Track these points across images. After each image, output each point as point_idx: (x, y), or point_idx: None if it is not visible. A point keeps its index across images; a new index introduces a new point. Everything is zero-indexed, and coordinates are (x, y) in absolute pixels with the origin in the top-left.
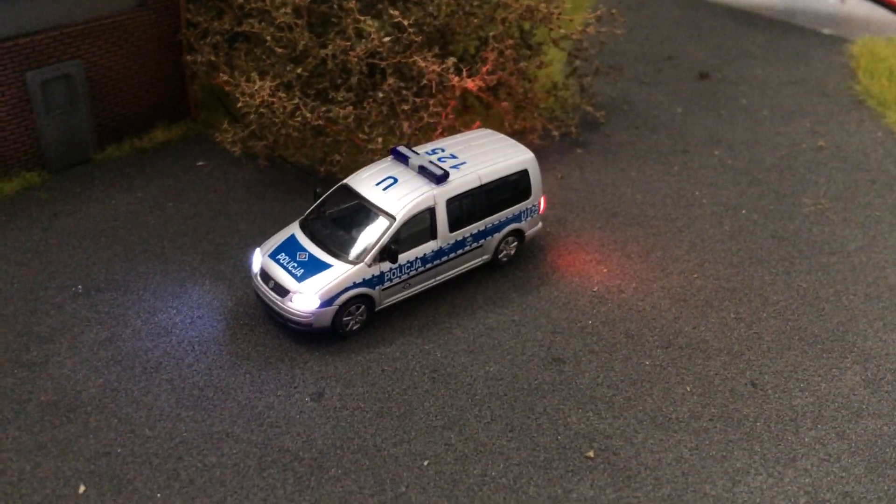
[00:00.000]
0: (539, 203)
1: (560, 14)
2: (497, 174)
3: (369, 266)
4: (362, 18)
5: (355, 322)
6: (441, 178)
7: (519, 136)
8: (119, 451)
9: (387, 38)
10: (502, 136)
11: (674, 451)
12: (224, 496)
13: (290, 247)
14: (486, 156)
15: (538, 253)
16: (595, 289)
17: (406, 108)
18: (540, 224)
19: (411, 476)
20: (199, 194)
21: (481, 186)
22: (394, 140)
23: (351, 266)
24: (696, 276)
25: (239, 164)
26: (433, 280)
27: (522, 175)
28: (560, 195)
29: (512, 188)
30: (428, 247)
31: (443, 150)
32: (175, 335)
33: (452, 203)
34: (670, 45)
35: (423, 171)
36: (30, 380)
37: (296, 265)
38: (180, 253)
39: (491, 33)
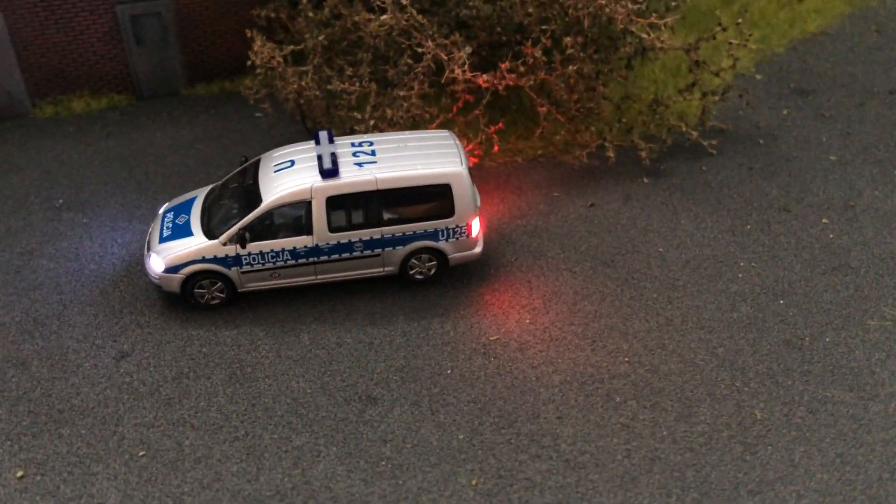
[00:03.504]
0: (468, 225)
1: (667, 47)
2: (403, 182)
3: (224, 245)
4: None
5: (212, 297)
6: (327, 174)
7: (564, 150)
8: None
9: (385, 17)
10: (454, 143)
11: None
12: None
13: (183, 208)
14: (407, 160)
15: (471, 280)
16: (493, 338)
17: (402, 93)
18: (477, 249)
19: (118, 461)
20: (235, 141)
21: (378, 191)
22: (384, 125)
23: (205, 241)
24: (626, 361)
25: (291, 120)
26: (313, 277)
27: (442, 190)
28: (565, 225)
29: (425, 201)
30: (300, 241)
31: (370, 144)
32: (86, 265)
33: (336, 201)
34: None
35: (318, 161)
36: None
37: (170, 226)
38: (161, 190)
39: (545, 27)
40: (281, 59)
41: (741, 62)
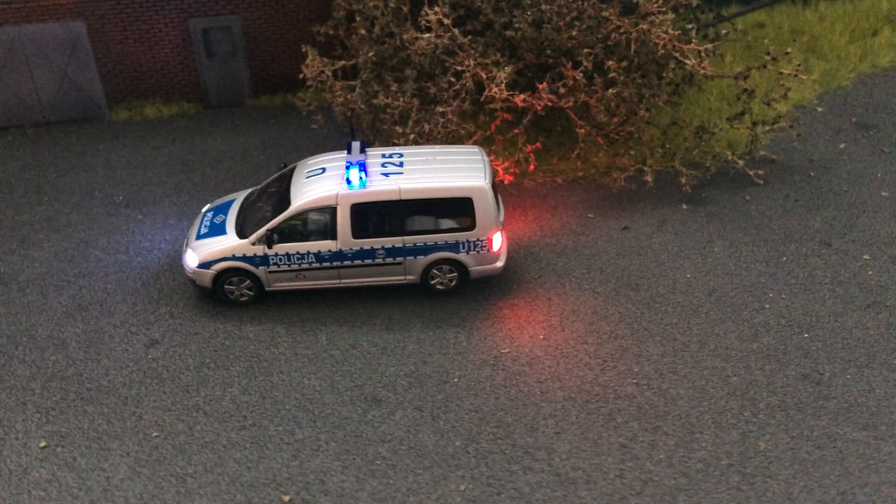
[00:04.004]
0: (489, 239)
1: (711, 74)
2: (425, 193)
3: (252, 245)
4: (428, 11)
5: (241, 293)
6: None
7: (604, 173)
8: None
9: (427, 35)
10: (481, 159)
11: None
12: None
13: (223, 209)
14: (433, 173)
15: (492, 293)
16: (504, 351)
17: (440, 108)
18: (499, 264)
19: (133, 440)
20: (289, 150)
21: (401, 201)
22: (423, 140)
23: (236, 240)
24: (633, 382)
25: (342, 132)
26: (337, 281)
27: (464, 203)
28: (595, 246)
29: (446, 213)
30: (325, 245)
31: (400, 156)
32: (134, 257)
33: (360, 208)
34: None
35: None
36: None
37: (208, 225)
38: (214, 192)
39: (588, 50)
40: (329, 73)
41: (802, 93)
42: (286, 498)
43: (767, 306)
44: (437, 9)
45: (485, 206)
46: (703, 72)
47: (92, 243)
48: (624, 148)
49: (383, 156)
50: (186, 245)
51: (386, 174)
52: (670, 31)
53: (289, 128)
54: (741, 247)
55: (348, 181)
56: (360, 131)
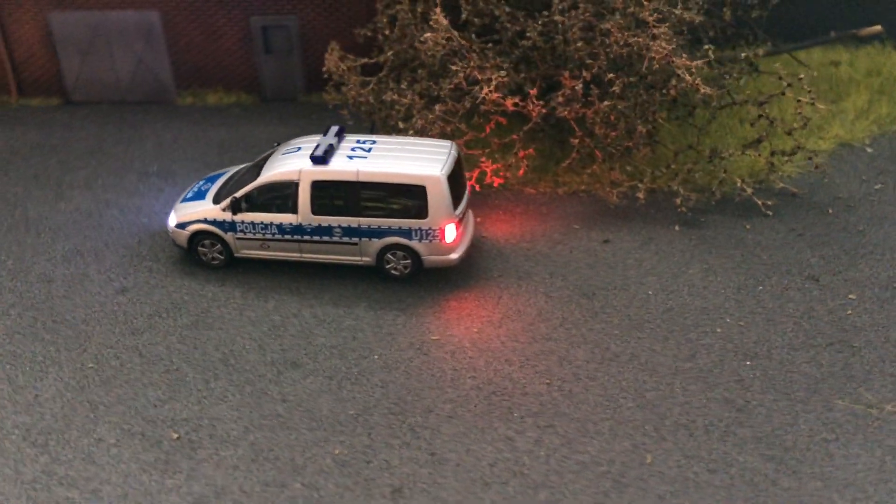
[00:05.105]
0: (441, 229)
1: (710, 92)
2: (381, 177)
3: (223, 210)
4: (439, 12)
5: (212, 257)
6: (315, 160)
7: (605, 187)
8: None
9: (428, 35)
10: (447, 153)
11: None
12: None
13: (213, 179)
14: (394, 160)
15: (447, 285)
16: (434, 337)
17: (438, 107)
18: (453, 256)
19: (71, 368)
20: None
21: (358, 182)
22: (418, 135)
23: (210, 205)
24: (546, 382)
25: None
26: (297, 255)
27: (417, 191)
28: (569, 255)
29: (400, 199)
30: (286, 218)
31: (373, 143)
32: (141, 219)
33: (319, 186)
34: None
35: (314, 148)
36: None
37: (195, 191)
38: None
39: (590, 61)
40: (346, 68)
41: (854, 133)
42: (175, 435)
43: (719, 330)
44: (437, 9)
45: (438, 196)
46: (702, 90)
47: (112, 203)
48: (619, 163)
49: (357, 141)
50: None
51: (350, 157)
52: (665, 46)
53: (328, 122)
54: (719, 272)
55: None
56: (378, 126)
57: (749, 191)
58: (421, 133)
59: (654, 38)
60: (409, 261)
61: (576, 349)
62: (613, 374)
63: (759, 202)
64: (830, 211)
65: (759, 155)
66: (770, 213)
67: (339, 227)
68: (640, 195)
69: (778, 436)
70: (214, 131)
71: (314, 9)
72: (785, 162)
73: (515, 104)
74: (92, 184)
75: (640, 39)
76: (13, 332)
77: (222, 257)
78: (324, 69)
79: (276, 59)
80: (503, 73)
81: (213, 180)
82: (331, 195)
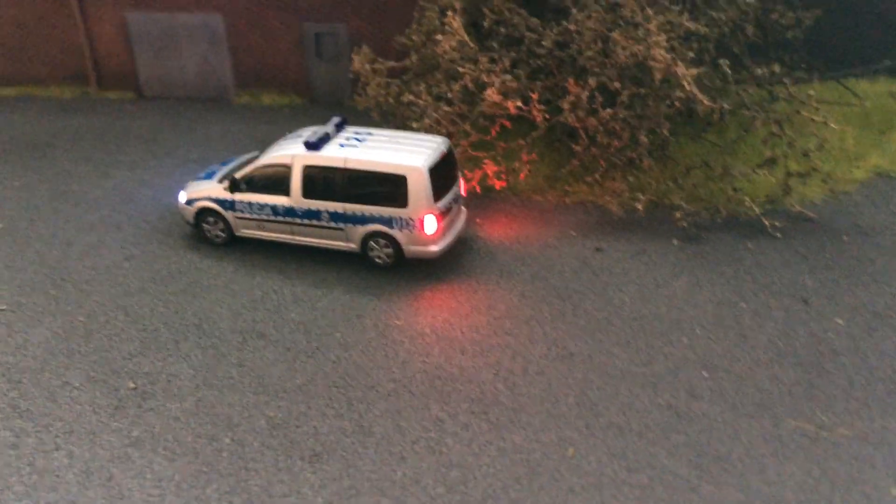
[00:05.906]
0: (420, 220)
1: (714, 106)
2: (366, 166)
3: (224, 189)
4: (451, 14)
5: (216, 234)
6: (309, 146)
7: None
8: None
9: (439, 37)
10: (436, 147)
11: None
12: None
13: (228, 162)
14: (382, 150)
15: (427, 276)
16: (397, 322)
17: (445, 107)
18: (433, 248)
19: (62, 320)
20: None
21: (345, 169)
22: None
23: (215, 184)
24: (493, 373)
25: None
26: (290, 237)
27: (398, 181)
28: (555, 259)
29: (382, 188)
30: (280, 200)
31: (368, 135)
32: (167, 198)
33: (310, 171)
34: None
35: (311, 136)
36: None
37: (209, 173)
38: None
39: (598, 70)
40: (371, 70)
41: (894, 164)
42: (132, 385)
43: (685, 340)
44: (450, 13)
45: (418, 188)
46: (705, 103)
47: (148, 183)
48: (623, 173)
49: (355, 132)
50: None
51: (343, 145)
52: (664, 55)
53: (365, 124)
54: (705, 286)
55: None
56: (396, 125)
57: (757, 210)
58: (429, 132)
59: (655, 45)
60: (391, 249)
61: (533, 345)
62: (562, 371)
63: (767, 223)
64: (845, 238)
65: (772, 175)
66: (779, 235)
67: (327, 211)
68: (640, 206)
69: (712, 445)
70: (260, 128)
71: (362, 17)
72: (800, 184)
73: (518, 108)
74: (135, 166)
75: (641, 47)
76: (25, 284)
77: (224, 235)
78: (351, 69)
79: (326, 63)
80: (509, 77)
81: (226, 163)
82: (320, 181)
